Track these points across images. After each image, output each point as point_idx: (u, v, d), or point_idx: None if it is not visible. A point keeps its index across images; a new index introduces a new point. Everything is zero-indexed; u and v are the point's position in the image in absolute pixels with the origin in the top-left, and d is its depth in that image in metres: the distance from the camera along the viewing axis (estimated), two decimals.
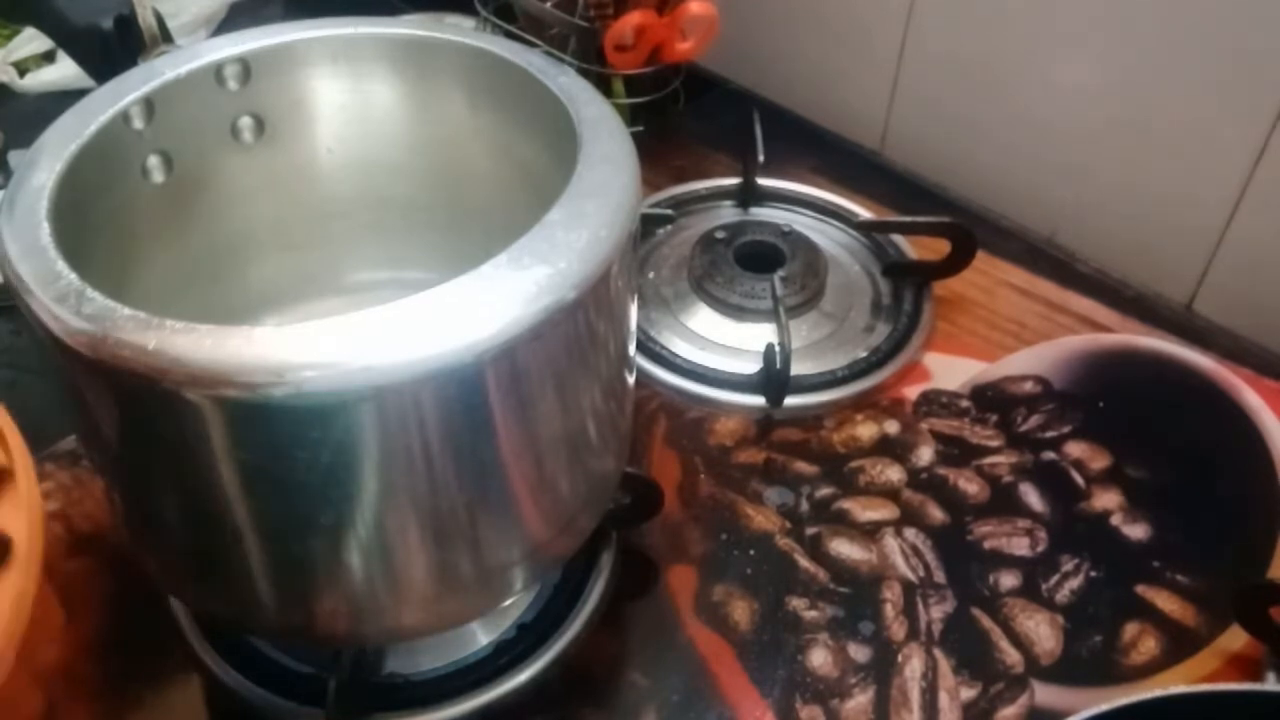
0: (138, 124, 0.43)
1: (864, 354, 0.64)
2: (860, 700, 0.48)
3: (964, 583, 0.53)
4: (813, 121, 0.84)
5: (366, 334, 0.33)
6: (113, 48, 0.51)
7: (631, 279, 0.42)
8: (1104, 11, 0.65)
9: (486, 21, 0.83)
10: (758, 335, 0.65)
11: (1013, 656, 0.50)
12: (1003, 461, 0.59)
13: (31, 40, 0.85)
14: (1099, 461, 0.59)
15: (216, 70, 0.45)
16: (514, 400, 0.36)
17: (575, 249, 0.36)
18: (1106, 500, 0.57)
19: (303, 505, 0.36)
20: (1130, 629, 0.51)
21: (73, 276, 0.34)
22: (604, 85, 0.77)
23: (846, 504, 0.57)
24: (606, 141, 0.40)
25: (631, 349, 0.45)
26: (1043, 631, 0.51)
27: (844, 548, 0.54)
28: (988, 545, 0.55)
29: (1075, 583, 0.53)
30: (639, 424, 0.60)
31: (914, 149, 0.79)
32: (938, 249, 0.69)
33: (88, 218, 0.40)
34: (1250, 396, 0.61)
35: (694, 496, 0.57)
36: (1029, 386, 0.63)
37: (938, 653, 0.50)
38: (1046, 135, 0.71)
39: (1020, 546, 0.55)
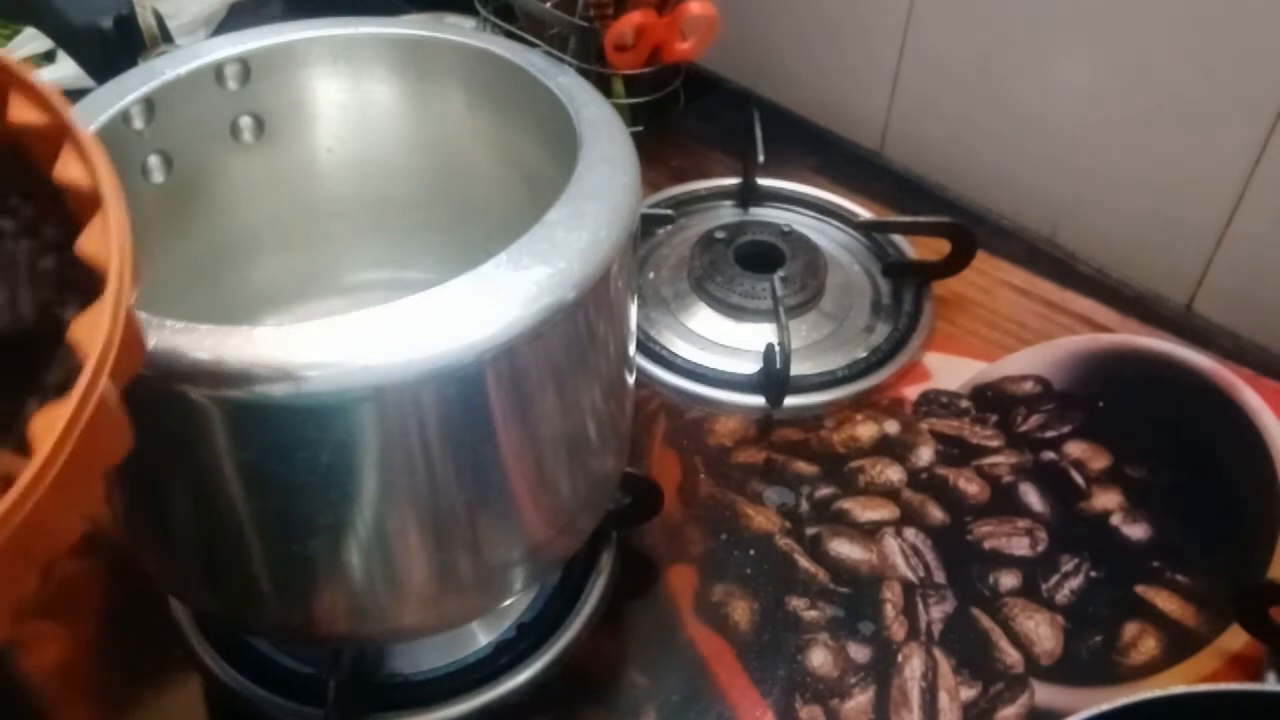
0: (138, 124, 0.43)
1: (864, 354, 0.64)
2: (860, 700, 0.48)
3: (964, 583, 0.53)
4: (813, 121, 0.84)
5: (366, 334, 0.33)
6: (113, 48, 0.51)
7: (631, 279, 0.42)
8: (1103, 11, 0.65)
9: (486, 21, 0.83)
10: (758, 335, 0.65)
11: (1013, 656, 0.50)
12: (1003, 461, 0.59)
13: (31, 40, 0.85)
14: (1099, 461, 0.59)
15: (216, 70, 0.45)
16: (514, 400, 0.36)
17: (575, 249, 0.36)
18: (1106, 500, 0.57)
19: (303, 505, 0.36)
20: (1130, 629, 0.51)
21: None
22: (604, 85, 0.77)
23: (846, 504, 0.57)
24: (606, 142, 0.40)
25: (631, 349, 0.45)
26: (1043, 631, 0.51)
27: (844, 548, 0.54)
28: (988, 545, 0.55)
29: (1075, 583, 0.53)
30: (639, 424, 0.60)
31: (914, 149, 0.79)
32: (938, 249, 0.69)
33: None
34: (1250, 396, 0.61)
35: (694, 496, 0.57)
36: (1029, 386, 0.63)
37: (938, 653, 0.50)
38: (1046, 135, 0.71)
39: (1020, 546, 0.55)
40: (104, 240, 0.26)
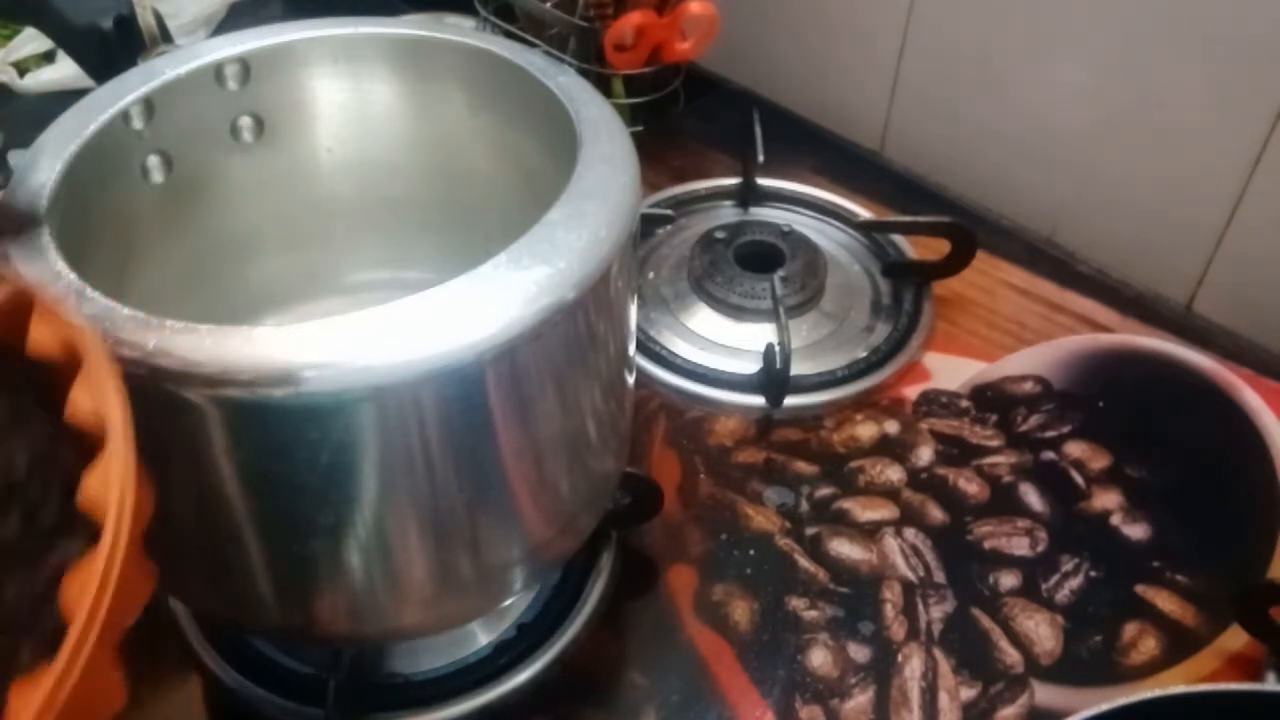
0: (138, 124, 0.43)
1: (864, 354, 0.64)
2: (860, 700, 0.48)
3: (964, 583, 0.53)
4: (813, 121, 0.84)
5: (366, 334, 0.33)
6: (113, 48, 0.51)
7: (631, 279, 0.42)
8: (1103, 11, 0.65)
9: (486, 21, 0.83)
10: (758, 335, 0.65)
11: (1013, 656, 0.50)
12: (1003, 461, 0.59)
13: (31, 40, 0.85)
14: (1099, 461, 0.59)
15: (216, 70, 0.45)
16: (514, 400, 0.36)
17: (575, 249, 0.36)
18: (1106, 500, 0.57)
19: (303, 505, 0.36)
20: (1130, 629, 0.51)
21: (73, 276, 0.34)
22: (604, 85, 0.77)
23: (846, 504, 0.57)
24: (606, 142, 0.40)
25: (631, 349, 0.45)
26: (1043, 631, 0.51)
27: (844, 548, 0.54)
28: (988, 545, 0.55)
29: (1075, 583, 0.53)
30: (639, 424, 0.60)
31: (914, 149, 0.79)
32: (938, 249, 0.69)
33: (88, 218, 0.40)
34: (1250, 396, 0.61)
35: (694, 496, 0.57)
36: (1029, 386, 0.63)
37: (938, 653, 0.50)
38: (1047, 135, 0.71)
39: (1020, 546, 0.55)
40: (102, 485, 0.26)
